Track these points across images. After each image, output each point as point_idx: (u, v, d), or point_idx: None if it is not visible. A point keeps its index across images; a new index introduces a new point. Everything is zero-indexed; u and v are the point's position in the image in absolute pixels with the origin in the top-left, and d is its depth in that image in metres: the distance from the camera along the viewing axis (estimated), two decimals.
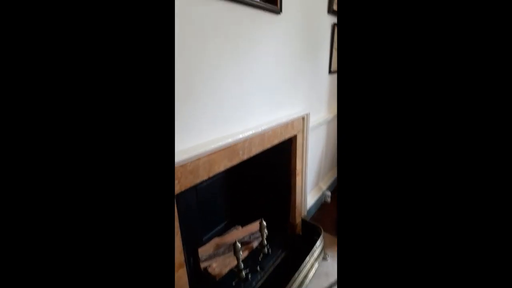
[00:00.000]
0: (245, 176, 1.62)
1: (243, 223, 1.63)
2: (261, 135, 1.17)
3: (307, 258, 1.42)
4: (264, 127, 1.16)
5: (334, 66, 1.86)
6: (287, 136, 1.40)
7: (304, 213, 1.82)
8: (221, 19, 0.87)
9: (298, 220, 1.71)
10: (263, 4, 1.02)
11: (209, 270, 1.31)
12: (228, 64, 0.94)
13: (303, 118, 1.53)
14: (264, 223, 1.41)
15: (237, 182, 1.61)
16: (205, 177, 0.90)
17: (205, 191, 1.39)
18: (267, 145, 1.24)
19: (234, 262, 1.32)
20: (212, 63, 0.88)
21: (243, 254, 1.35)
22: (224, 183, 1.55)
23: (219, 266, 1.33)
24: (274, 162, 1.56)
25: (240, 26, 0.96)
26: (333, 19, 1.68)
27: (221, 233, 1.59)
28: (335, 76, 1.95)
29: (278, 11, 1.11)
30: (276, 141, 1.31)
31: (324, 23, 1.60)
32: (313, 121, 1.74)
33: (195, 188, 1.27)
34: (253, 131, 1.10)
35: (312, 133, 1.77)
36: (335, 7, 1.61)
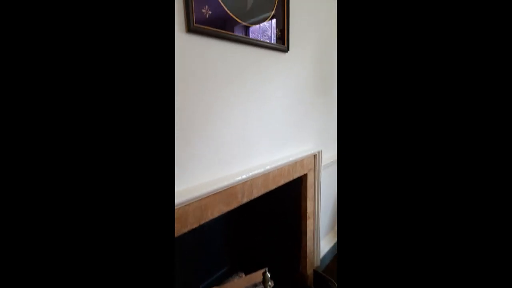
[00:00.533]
0: (249, 217, 1.49)
1: (247, 269, 1.45)
2: (265, 176, 1.08)
3: None
4: (268, 166, 1.07)
5: None
6: (295, 175, 1.29)
7: (317, 262, 1.60)
8: (224, 58, 0.86)
9: (310, 271, 1.49)
10: (269, 43, 1.01)
11: None
12: (229, 103, 0.90)
13: (314, 156, 1.42)
14: (268, 274, 1.24)
15: (240, 222, 1.49)
16: (195, 225, 0.80)
17: (203, 232, 1.28)
18: (272, 186, 1.13)
19: None
20: (210, 101, 0.84)
21: None
22: (225, 223, 1.43)
23: None
24: (282, 203, 1.43)
25: (243, 65, 0.94)
26: None
27: (221, 280, 1.42)
28: None
29: (285, 49, 1.09)
30: (282, 182, 1.20)
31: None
32: (326, 158, 1.62)
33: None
34: (255, 172, 1.01)
35: (326, 172, 1.64)
36: None
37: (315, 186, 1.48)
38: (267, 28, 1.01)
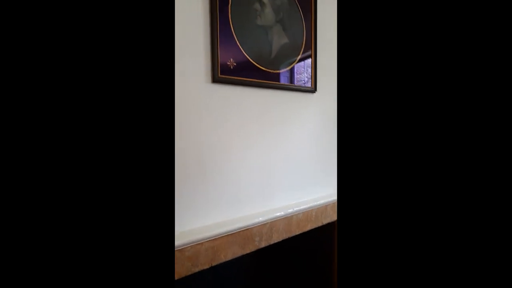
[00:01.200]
0: (269, 264, 1.38)
1: None
2: (287, 219, 1.01)
3: None
4: (290, 209, 1.01)
5: None
6: (326, 221, 1.17)
7: None
8: (246, 102, 0.91)
9: None
10: (293, 86, 1.04)
11: None
12: (250, 143, 0.93)
13: None
14: None
15: (258, 269, 1.38)
16: (206, 266, 0.80)
17: (217, 275, 1.23)
18: (296, 231, 1.05)
19: None
20: (230, 141, 0.88)
21: None
22: (241, 268, 1.35)
23: None
24: (310, 252, 1.29)
25: (266, 107, 0.97)
26: None
27: None
28: None
29: (312, 90, 1.10)
30: (309, 227, 1.10)
31: None
32: None
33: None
34: (275, 214, 0.96)
35: None
36: None
37: None
38: (294, 72, 1.04)
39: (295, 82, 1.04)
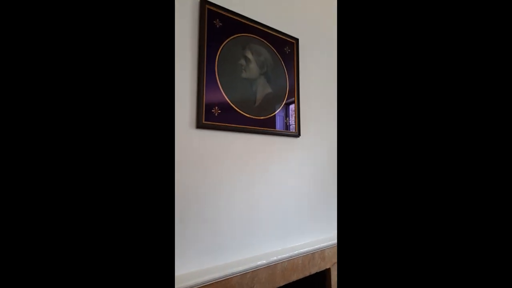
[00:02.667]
0: None
1: None
2: (271, 268, 0.96)
3: None
4: (274, 257, 0.97)
5: None
6: (313, 270, 1.10)
7: None
8: (228, 146, 0.95)
9: None
10: (279, 131, 1.09)
11: None
12: (233, 187, 0.94)
13: None
14: None
15: None
16: None
17: None
18: (281, 282, 0.98)
19: None
20: (211, 186, 0.89)
21: None
22: None
23: None
24: None
25: (249, 152, 1.01)
26: None
27: None
28: None
29: (296, 134, 1.15)
30: (295, 277, 1.03)
31: None
32: None
33: None
34: (257, 263, 0.91)
35: None
36: None
37: None
38: (278, 118, 1.11)
39: (279, 127, 1.10)
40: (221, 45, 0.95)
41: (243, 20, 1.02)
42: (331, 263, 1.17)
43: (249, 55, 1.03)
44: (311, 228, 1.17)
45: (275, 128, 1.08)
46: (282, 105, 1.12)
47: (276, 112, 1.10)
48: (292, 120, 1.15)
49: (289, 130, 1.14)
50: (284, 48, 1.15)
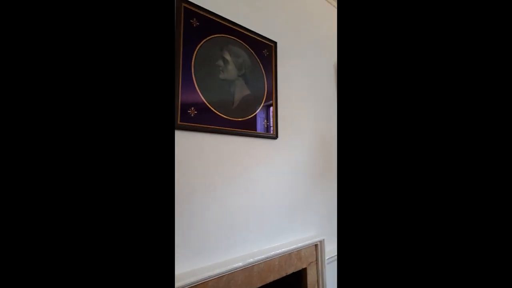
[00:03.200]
0: None
1: None
2: (248, 271, 0.96)
3: None
4: (251, 259, 0.96)
5: None
6: (290, 270, 1.12)
7: None
8: (204, 148, 0.94)
9: None
10: (257, 132, 1.10)
11: None
12: (209, 190, 0.93)
13: (316, 246, 1.26)
14: None
15: None
16: None
17: None
18: (257, 283, 0.99)
19: None
20: (186, 190, 0.87)
21: None
22: None
23: None
24: None
25: (226, 154, 1.00)
26: None
27: None
28: None
29: (274, 137, 1.16)
30: (272, 278, 1.04)
31: None
32: (332, 250, 1.41)
33: None
34: (233, 266, 0.91)
35: (332, 267, 1.39)
36: None
37: (320, 284, 1.24)
38: (256, 120, 1.12)
39: (257, 129, 1.11)
40: (198, 45, 0.93)
41: (221, 21, 1.01)
42: (307, 262, 1.20)
43: (227, 56, 1.02)
44: (288, 229, 1.19)
45: (252, 130, 1.09)
46: (261, 107, 1.13)
47: (254, 114, 1.10)
48: (270, 122, 1.16)
49: (267, 132, 1.15)
50: (263, 51, 1.16)
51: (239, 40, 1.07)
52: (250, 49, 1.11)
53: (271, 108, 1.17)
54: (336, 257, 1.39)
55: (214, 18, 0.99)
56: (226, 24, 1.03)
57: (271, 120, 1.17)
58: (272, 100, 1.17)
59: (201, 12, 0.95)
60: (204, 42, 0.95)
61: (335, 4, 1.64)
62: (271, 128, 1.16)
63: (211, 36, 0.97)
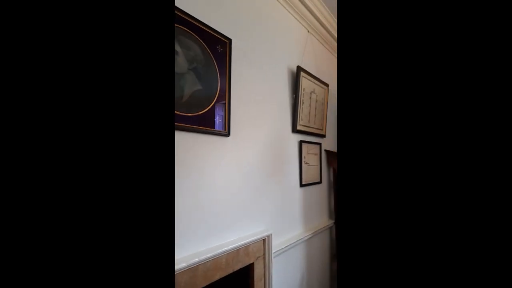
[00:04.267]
0: None
1: None
2: (192, 271, 0.93)
3: None
4: (196, 258, 0.94)
5: (307, 178, 1.80)
6: (237, 267, 1.13)
7: None
8: None
9: None
10: (208, 129, 1.07)
11: None
12: None
13: (264, 241, 1.30)
14: None
15: None
16: None
17: None
18: (202, 283, 0.97)
19: None
20: None
21: None
22: None
23: None
24: None
25: (179, 149, 0.95)
26: (299, 137, 1.77)
27: None
28: (308, 188, 1.85)
29: (226, 134, 1.16)
30: (218, 276, 1.04)
31: (290, 141, 1.68)
32: (284, 241, 1.49)
33: None
34: (177, 267, 0.87)
35: (284, 257, 1.47)
36: (299, 128, 1.73)
37: (266, 279, 1.29)
38: (208, 116, 1.09)
39: (208, 125, 1.08)
40: None
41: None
42: (254, 257, 1.23)
43: (177, 48, 0.97)
44: (237, 226, 1.20)
45: (203, 126, 1.06)
46: (212, 104, 1.10)
47: (205, 109, 1.07)
48: (222, 119, 1.15)
49: (219, 129, 1.13)
50: (217, 47, 1.14)
51: (191, 32, 1.02)
52: (203, 43, 1.07)
53: (223, 105, 1.16)
54: (283, 250, 1.46)
55: None
56: (179, 13, 0.97)
57: (224, 118, 1.16)
58: (225, 96, 1.16)
59: None
60: None
61: (292, 11, 1.71)
62: (223, 125, 1.15)
63: None
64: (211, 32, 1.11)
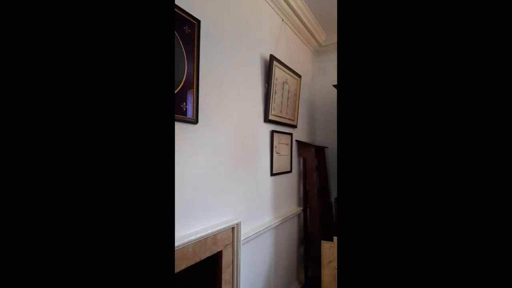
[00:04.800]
0: None
1: None
2: None
3: None
4: None
5: (277, 168, 1.84)
6: (205, 255, 1.13)
7: None
8: None
9: None
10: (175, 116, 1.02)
11: None
12: None
13: (232, 229, 1.31)
14: None
15: None
16: None
17: None
18: None
19: None
20: None
21: None
22: None
23: None
24: None
25: None
26: (271, 127, 1.79)
27: None
28: (278, 177, 1.89)
29: (194, 121, 1.11)
30: (184, 266, 1.02)
31: (262, 131, 1.68)
32: (253, 229, 1.52)
33: None
34: None
35: (253, 244, 1.51)
36: (271, 117, 1.74)
37: (234, 266, 1.31)
38: (176, 101, 1.03)
39: (175, 112, 1.03)
40: None
41: None
42: (223, 245, 1.24)
43: None
44: (206, 215, 1.18)
45: None
46: (179, 89, 1.05)
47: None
48: (190, 106, 1.10)
49: (186, 116, 1.08)
50: (184, 27, 1.07)
51: None
52: None
53: (191, 91, 1.11)
54: (252, 237, 1.49)
55: None
56: None
57: (192, 104, 1.11)
58: (192, 82, 1.11)
59: None
60: None
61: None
62: (190, 112, 1.10)
63: None
64: (177, 10, 1.03)
